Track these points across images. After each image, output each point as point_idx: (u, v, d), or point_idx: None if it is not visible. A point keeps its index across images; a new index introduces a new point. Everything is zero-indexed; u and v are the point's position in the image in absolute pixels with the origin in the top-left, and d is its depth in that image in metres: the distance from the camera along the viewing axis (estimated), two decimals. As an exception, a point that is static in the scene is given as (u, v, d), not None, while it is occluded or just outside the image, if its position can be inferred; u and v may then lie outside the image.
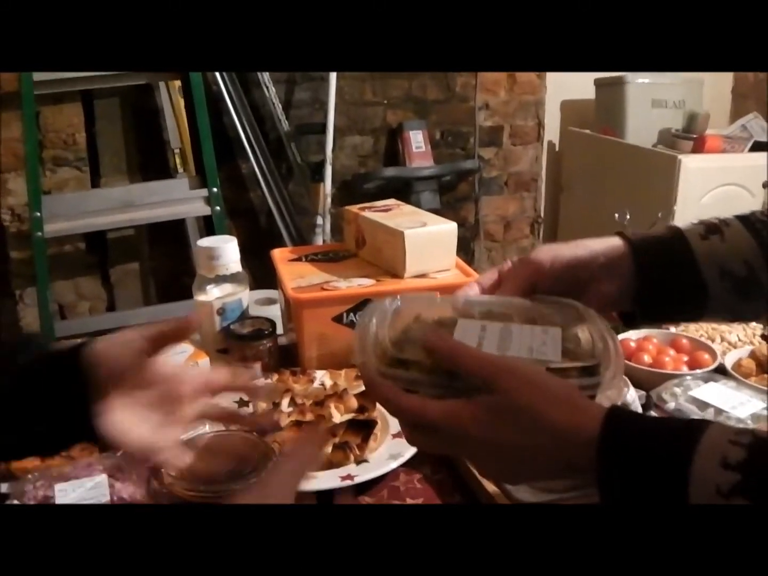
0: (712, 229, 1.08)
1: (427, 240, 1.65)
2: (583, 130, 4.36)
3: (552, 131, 4.58)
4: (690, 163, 3.60)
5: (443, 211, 4.13)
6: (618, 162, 4.05)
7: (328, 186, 3.77)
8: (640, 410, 1.25)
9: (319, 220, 3.76)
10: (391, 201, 1.89)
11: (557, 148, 4.62)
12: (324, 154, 3.77)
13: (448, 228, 1.69)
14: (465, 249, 4.40)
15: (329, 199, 3.77)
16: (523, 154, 4.49)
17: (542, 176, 4.61)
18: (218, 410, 1.01)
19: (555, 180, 4.64)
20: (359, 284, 1.61)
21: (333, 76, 3.75)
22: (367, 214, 1.76)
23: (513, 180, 4.50)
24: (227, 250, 1.61)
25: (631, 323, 1.14)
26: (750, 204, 3.68)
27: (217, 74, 3.57)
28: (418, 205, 3.93)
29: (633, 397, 1.22)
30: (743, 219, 1.09)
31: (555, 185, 4.64)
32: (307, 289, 1.60)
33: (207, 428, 1.21)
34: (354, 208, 1.83)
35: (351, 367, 1.53)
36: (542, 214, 4.65)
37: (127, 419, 0.92)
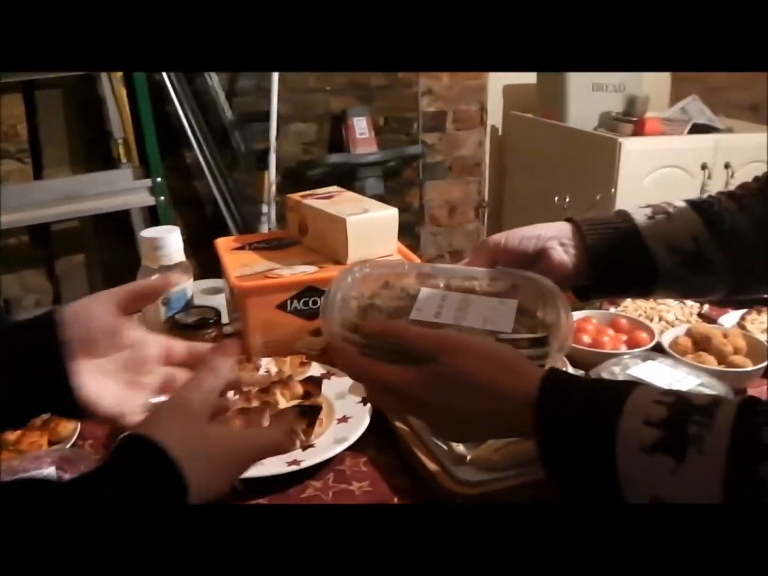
0: (658, 210, 1.14)
1: (369, 226, 1.66)
2: (526, 114, 4.39)
3: (495, 116, 4.61)
4: (630, 146, 3.64)
5: (388, 196, 4.15)
6: (560, 145, 4.09)
7: (272, 174, 3.78)
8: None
9: (264, 208, 3.77)
10: (334, 188, 1.91)
11: (500, 133, 4.65)
12: (268, 142, 3.78)
13: (390, 214, 1.71)
14: (410, 234, 4.42)
15: (274, 187, 3.78)
16: (466, 138, 4.51)
17: (486, 161, 4.64)
18: (179, 381, 1.02)
19: (499, 164, 4.67)
20: (302, 271, 1.62)
21: (275, 65, 3.74)
22: (310, 201, 1.77)
23: (457, 165, 4.53)
24: (170, 240, 1.61)
25: (584, 298, 1.20)
26: (689, 185, 3.73)
27: (159, 64, 3.54)
28: (362, 191, 3.96)
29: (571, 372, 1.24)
30: (689, 201, 1.15)
31: (499, 169, 4.67)
32: (250, 278, 1.61)
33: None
34: (296, 196, 1.84)
35: (296, 354, 1.55)
36: (486, 198, 4.68)
37: (97, 382, 0.93)
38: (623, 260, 1.14)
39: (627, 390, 0.78)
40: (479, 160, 4.59)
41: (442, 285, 1.06)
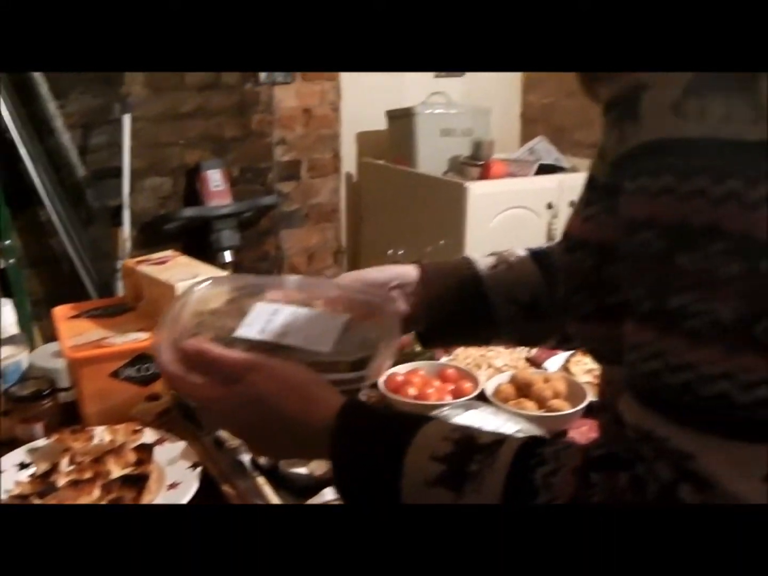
0: (501, 260, 1.19)
1: (199, 291, 1.69)
2: (378, 161, 4.48)
3: (350, 162, 4.68)
4: (476, 190, 3.74)
5: (245, 246, 4.18)
6: (411, 191, 4.17)
7: (126, 230, 3.77)
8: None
9: (119, 265, 3.75)
10: (170, 252, 1.93)
11: (355, 179, 4.72)
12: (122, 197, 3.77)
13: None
14: (271, 283, 4.43)
15: (128, 243, 3.76)
16: (322, 186, 4.57)
17: (342, 207, 4.71)
18: None
19: (355, 210, 4.73)
20: (135, 339, 1.64)
21: (127, 118, 3.75)
22: (143, 267, 1.80)
23: (314, 212, 4.58)
24: (2, 315, 1.62)
25: (426, 344, 1.24)
26: (536, 225, 3.85)
27: (9, 121, 3.50)
28: (218, 243, 3.98)
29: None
30: (531, 250, 1.21)
31: (355, 215, 4.74)
32: (84, 347, 1.62)
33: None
34: (131, 262, 1.86)
35: (130, 421, 1.56)
36: (344, 244, 4.73)
37: None
38: (462, 310, 1.18)
39: (418, 424, 0.82)
40: (335, 207, 4.64)
41: (281, 298, 1.08)
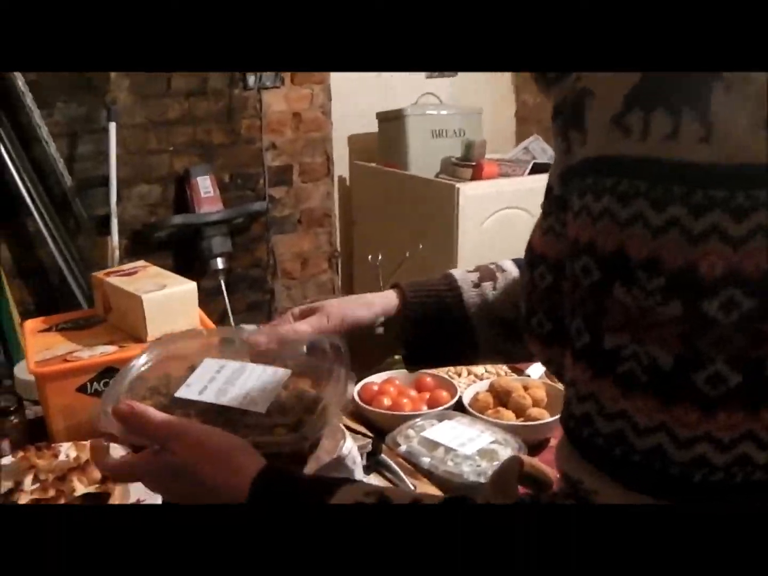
0: (486, 276, 1.15)
1: (167, 302, 1.66)
2: (369, 164, 4.44)
3: (342, 166, 4.65)
4: (468, 191, 3.70)
5: (237, 253, 4.15)
6: (403, 193, 4.14)
7: (115, 239, 3.74)
8: (358, 459, 1.28)
9: (108, 275, 3.72)
10: (140, 263, 1.90)
11: (348, 183, 4.69)
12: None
13: (188, 288, 1.71)
14: (263, 289, 4.42)
15: (117, 252, 3.73)
16: (314, 190, 4.53)
17: (335, 211, 4.67)
18: None
19: (348, 213, 4.70)
20: (102, 352, 1.61)
21: (113, 126, 3.72)
22: (111, 279, 1.77)
23: (306, 217, 4.54)
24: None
25: (411, 367, 1.20)
26: (531, 224, 3.78)
27: (-6, 132, 3.49)
28: (209, 250, 3.95)
29: (349, 448, 1.25)
30: (516, 261, 1.17)
31: (348, 218, 4.70)
32: (50, 362, 1.59)
33: None
34: (100, 274, 1.83)
35: (98, 437, 1.53)
36: (338, 248, 4.70)
37: None
38: (444, 333, 1.15)
39: (332, 490, 0.79)
40: (328, 211, 4.60)
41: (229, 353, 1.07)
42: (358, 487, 0.81)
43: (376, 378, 1.71)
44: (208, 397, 0.96)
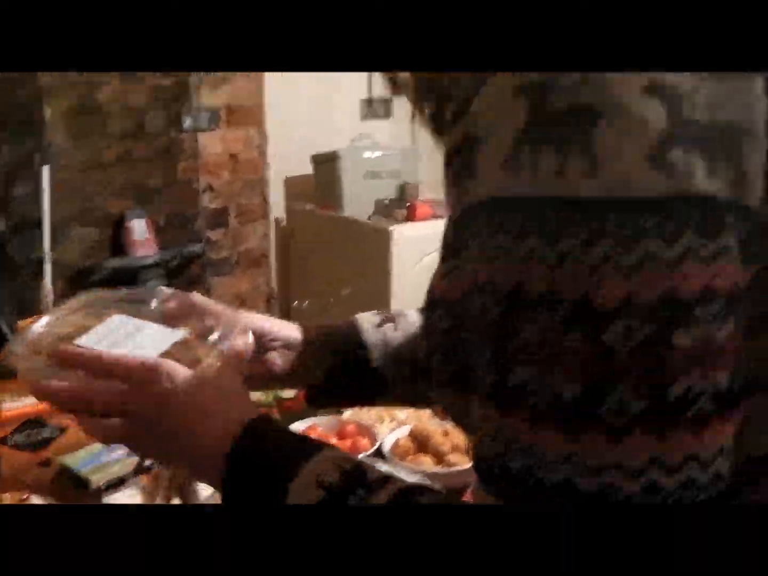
0: (388, 318, 1.17)
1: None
2: (306, 206, 4.46)
3: (278, 208, 4.66)
4: (401, 233, 3.74)
5: (173, 296, 4.13)
6: (338, 235, 4.17)
7: (48, 284, 3.71)
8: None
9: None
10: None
11: (284, 224, 4.70)
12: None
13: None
14: (201, 331, 4.40)
15: (51, 297, 3.71)
16: (251, 232, 4.54)
17: (272, 252, 4.69)
18: None
19: (285, 255, 4.71)
20: (23, 404, 1.61)
21: (46, 169, 3.70)
22: (34, 329, 1.76)
23: (243, 258, 4.54)
24: None
25: (312, 403, 1.22)
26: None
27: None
28: (145, 293, 3.92)
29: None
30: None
31: (285, 260, 4.71)
32: (-29, 414, 1.59)
33: None
34: (27, 321, 1.83)
35: (18, 490, 1.53)
36: (276, 290, 4.71)
37: None
38: (344, 371, 1.17)
39: (318, 449, 0.81)
40: (265, 252, 4.62)
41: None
42: (338, 452, 0.83)
43: (299, 425, 1.72)
44: (102, 347, 0.96)
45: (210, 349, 0.99)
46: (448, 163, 0.73)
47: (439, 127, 0.82)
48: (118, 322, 1.02)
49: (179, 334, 1.02)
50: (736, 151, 0.59)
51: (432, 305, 0.82)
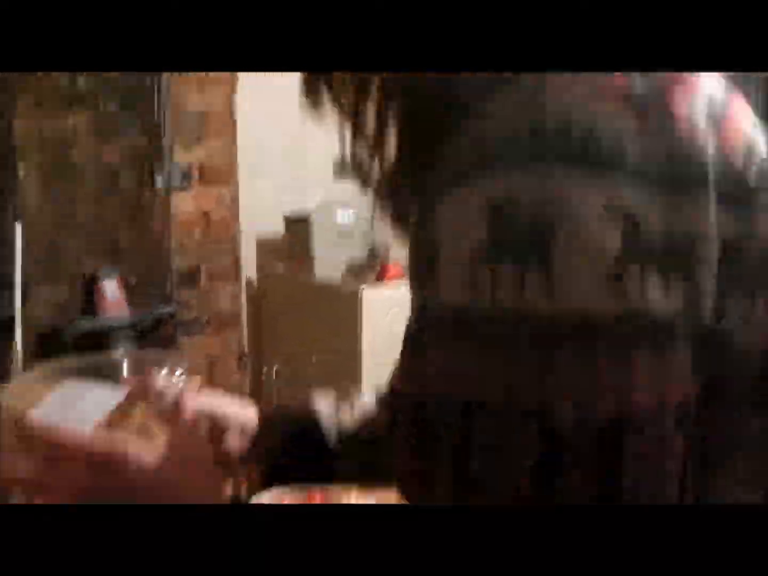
0: (344, 400, 1.17)
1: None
2: (277, 266, 4.48)
3: (250, 268, 4.67)
4: (372, 294, 3.76)
5: (144, 356, 4.11)
6: (309, 297, 4.18)
7: (18, 344, 3.69)
8: None
9: (12, 382, 3.66)
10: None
11: (255, 284, 4.70)
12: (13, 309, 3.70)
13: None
14: (172, 392, 4.37)
15: (19, 358, 3.69)
16: (222, 292, 4.54)
17: (243, 313, 4.68)
18: None
19: (257, 316, 4.71)
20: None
21: (18, 227, 3.69)
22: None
23: (215, 319, 4.53)
24: None
25: (267, 482, 1.21)
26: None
27: None
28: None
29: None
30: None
31: (257, 321, 4.71)
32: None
33: None
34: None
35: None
36: (246, 350, 4.69)
37: None
38: (303, 452, 1.16)
39: None
40: (236, 313, 4.61)
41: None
42: None
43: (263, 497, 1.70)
44: (56, 418, 0.95)
45: (151, 407, 1.00)
46: (411, 262, 0.73)
47: (403, 230, 0.82)
48: (67, 389, 1.03)
49: (119, 395, 1.01)
50: (691, 264, 0.60)
51: (393, 396, 0.82)
